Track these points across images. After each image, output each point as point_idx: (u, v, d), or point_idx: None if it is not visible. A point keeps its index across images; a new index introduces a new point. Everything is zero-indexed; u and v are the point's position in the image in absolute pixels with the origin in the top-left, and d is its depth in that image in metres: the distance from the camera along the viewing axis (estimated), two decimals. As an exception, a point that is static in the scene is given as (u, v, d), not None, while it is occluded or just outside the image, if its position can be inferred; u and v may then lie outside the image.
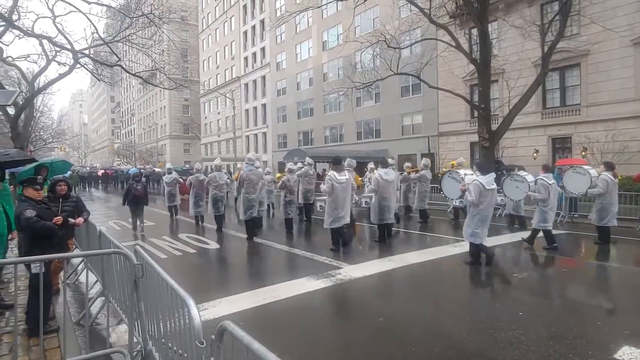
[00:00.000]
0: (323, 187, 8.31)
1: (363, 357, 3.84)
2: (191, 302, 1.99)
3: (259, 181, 10.15)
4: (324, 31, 36.14)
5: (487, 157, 15.36)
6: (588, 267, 7.60)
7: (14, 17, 18.03)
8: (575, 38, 18.81)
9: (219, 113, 55.70)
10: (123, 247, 3.54)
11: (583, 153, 17.93)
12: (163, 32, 19.43)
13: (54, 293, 5.31)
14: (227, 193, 13.15)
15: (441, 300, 5.62)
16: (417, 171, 12.90)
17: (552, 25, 15.15)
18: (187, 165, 42.50)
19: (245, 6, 49.46)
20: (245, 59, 50.02)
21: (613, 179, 8.65)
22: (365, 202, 10.37)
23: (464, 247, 8.65)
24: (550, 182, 8.35)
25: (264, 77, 46.04)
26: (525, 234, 9.25)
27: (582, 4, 17.67)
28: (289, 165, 11.75)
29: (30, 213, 4.32)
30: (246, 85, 49.94)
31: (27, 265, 4.34)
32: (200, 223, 12.52)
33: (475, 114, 17.61)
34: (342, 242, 8.40)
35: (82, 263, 6.80)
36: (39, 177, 4.77)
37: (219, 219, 11.42)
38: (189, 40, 64.68)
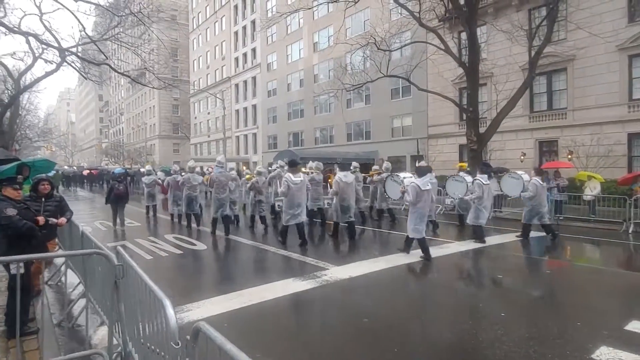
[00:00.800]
0: (280, 189, 9.01)
1: (345, 358, 3.85)
2: (167, 303, 1.97)
3: (227, 182, 10.87)
4: (315, 33, 36.20)
5: (475, 159, 15.53)
6: (573, 269, 7.72)
7: (1, 14, 17.77)
8: (562, 43, 19.10)
9: (209, 113, 55.43)
10: (104, 248, 3.50)
11: (569, 156, 18.19)
12: (152, 31, 19.28)
13: (35, 294, 5.23)
14: (206, 193, 13.30)
15: (426, 301, 5.66)
16: (379, 174, 13.12)
17: (539, 30, 15.37)
18: (176, 166, 42.18)
19: (236, 6, 49.30)
20: (236, 59, 49.84)
21: (542, 183, 9.67)
22: (327, 202, 11.22)
23: (450, 248, 8.75)
24: (485, 183, 9.23)
25: (254, 78, 45.93)
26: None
27: (569, 10, 17.97)
28: (258, 167, 12.50)
29: (11, 212, 4.24)
30: (236, 85, 49.75)
31: (6, 266, 4.26)
32: (176, 221, 13.07)
33: (464, 116, 17.77)
34: (300, 240, 8.92)
35: (64, 264, 6.71)
36: (19, 176, 4.69)
37: (197, 217, 12.14)
38: (179, 39, 64.27)
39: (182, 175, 13.11)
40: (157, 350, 2.52)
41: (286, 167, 11.06)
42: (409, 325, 4.68)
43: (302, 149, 35.07)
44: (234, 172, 12.58)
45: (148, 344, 2.67)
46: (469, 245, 9.11)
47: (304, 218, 9.12)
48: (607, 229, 11.36)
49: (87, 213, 16.49)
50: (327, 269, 7.03)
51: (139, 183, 33.03)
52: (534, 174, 9.97)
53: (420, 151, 25.21)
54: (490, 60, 21.40)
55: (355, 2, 16.40)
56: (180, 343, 1.82)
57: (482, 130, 16.08)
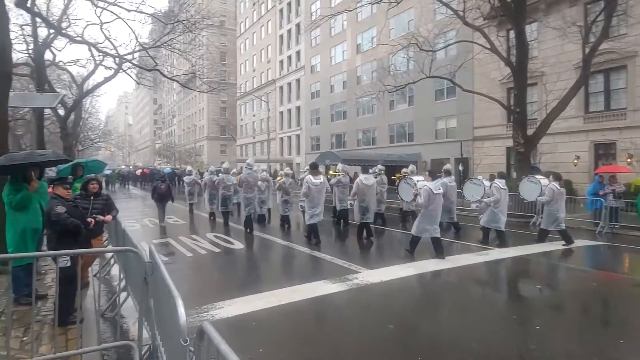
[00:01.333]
0: (302, 190, 9.73)
1: (367, 363, 3.84)
2: (179, 302, 2.09)
3: (255, 183, 11.59)
4: (359, 34, 36.10)
5: (522, 162, 14.84)
6: (622, 281, 7.18)
7: (65, 24, 19.26)
8: (621, 39, 17.78)
9: (254, 115, 56.84)
10: (138, 246, 3.73)
11: (628, 160, 16.90)
12: (202, 37, 20.15)
13: (83, 286, 5.66)
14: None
15: (455, 309, 5.50)
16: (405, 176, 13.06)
17: (595, 25, 14.42)
18: (212, 167, 43.68)
19: (281, 10, 50.25)
20: (281, 62, 50.77)
21: (559, 188, 9.52)
22: (350, 203, 11.55)
23: (489, 255, 8.43)
24: (502, 187, 9.42)
25: (298, 80, 46.55)
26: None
27: (629, 3, 16.69)
28: (285, 169, 13.08)
29: (60, 209, 4.62)
30: (281, 88, 50.66)
31: (55, 259, 4.64)
32: (213, 219, 13.72)
33: (512, 118, 17.01)
34: (318, 236, 9.58)
35: (113, 257, 7.20)
36: (69, 177, 5.08)
37: (226, 215, 12.73)
38: (227, 44, 66.50)
39: (217, 176, 13.75)
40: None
41: (359, 169, 12.01)
42: (434, 333, 4.58)
43: (344, 151, 35.08)
44: (264, 173, 12.97)
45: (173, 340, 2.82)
46: (509, 252, 8.73)
47: (321, 217, 9.73)
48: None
49: (138, 211, 17.47)
50: (359, 272, 7.02)
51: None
52: (552, 179, 9.84)
53: (465, 154, 24.41)
54: (542, 58, 20.33)
55: (398, 3, 16.19)
56: (188, 340, 1.93)
57: (531, 132, 15.32)
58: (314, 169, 10.09)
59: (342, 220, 12.28)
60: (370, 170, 11.92)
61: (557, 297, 6.07)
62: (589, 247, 9.69)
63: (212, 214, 14.04)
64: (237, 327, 4.67)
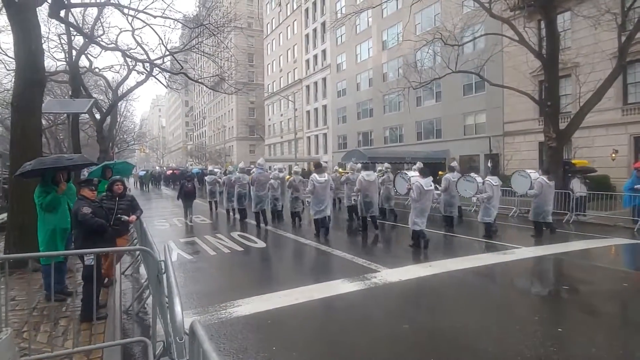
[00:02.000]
0: (308, 187, 10.51)
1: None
2: (177, 300, 2.17)
3: (266, 181, 12.60)
4: (384, 30, 35.75)
5: (553, 157, 14.26)
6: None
7: (99, 32, 20.09)
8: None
9: (281, 115, 57.36)
10: (154, 245, 3.86)
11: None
12: (230, 40, 20.51)
13: (108, 284, 5.91)
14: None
15: (473, 310, 5.37)
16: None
17: (633, 12, 13.66)
18: (252, 166, 44.42)
19: (307, 10, 50.44)
20: (307, 61, 50.99)
21: (548, 182, 10.09)
22: (354, 199, 12.17)
23: (515, 254, 8.17)
24: (495, 184, 9.83)
25: (324, 79, 46.61)
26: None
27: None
28: (295, 168, 13.70)
29: (86, 210, 4.85)
30: (307, 87, 50.89)
31: (81, 258, 4.88)
32: (232, 215, 14.66)
33: (543, 111, 16.37)
34: (324, 230, 10.27)
35: (139, 256, 7.48)
36: (94, 179, 5.31)
37: (242, 211, 13.60)
38: (254, 45, 67.38)
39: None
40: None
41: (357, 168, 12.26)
42: (449, 334, 4.49)
43: (371, 149, 34.87)
44: (276, 172, 13.30)
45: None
46: (536, 251, 8.43)
47: (328, 213, 10.41)
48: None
49: (168, 210, 18.01)
50: (379, 271, 6.98)
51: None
52: (541, 173, 10.56)
53: (494, 149, 23.73)
54: (575, 48, 19.45)
55: (422, -3, 15.93)
56: (184, 338, 2.00)
57: (565, 125, 14.70)
58: (317, 167, 10.88)
59: (353, 214, 12.67)
60: (379, 168, 12.53)
61: (584, 298, 5.81)
62: (626, 245, 9.21)
63: (229, 211, 14.94)
64: (253, 324, 4.75)
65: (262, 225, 12.12)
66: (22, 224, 6.81)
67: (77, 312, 4.87)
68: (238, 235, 10.96)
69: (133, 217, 6.06)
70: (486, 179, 10.12)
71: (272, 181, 12.67)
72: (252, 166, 18.13)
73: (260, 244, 9.80)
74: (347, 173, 12.78)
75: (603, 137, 19.14)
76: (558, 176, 13.23)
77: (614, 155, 18.32)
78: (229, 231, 11.73)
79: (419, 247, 8.64)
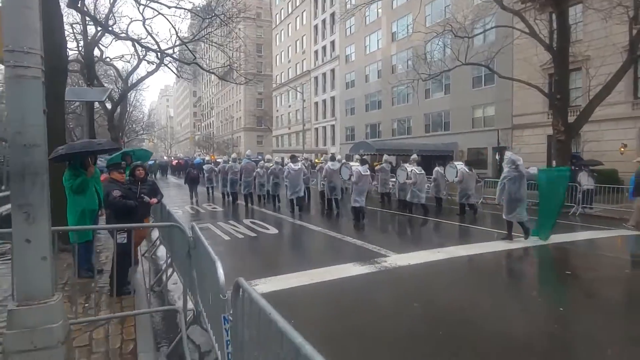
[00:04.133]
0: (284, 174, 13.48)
1: (384, 335, 4.09)
2: (219, 264, 2.44)
3: (253, 170, 15.15)
4: (394, 22, 35.64)
5: (561, 151, 14.37)
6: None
7: (111, 21, 20.35)
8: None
9: (289, 106, 57.49)
10: (181, 223, 4.14)
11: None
12: (240, 29, 20.66)
13: (134, 263, 6.23)
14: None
15: (481, 292, 5.62)
16: (381, 164, 16.78)
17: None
18: (260, 157, 44.81)
19: (316, 0, 50.27)
20: (316, 52, 50.94)
21: (468, 171, 12.74)
22: (375, 184, 16.09)
23: (523, 242, 8.38)
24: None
25: (333, 70, 46.60)
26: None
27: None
28: (276, 158, 17.20)
29: (117, 193, 5.14)
30: (316, 78, 50.91)
31: (113, 236, 5.16)
32: (226, 197, 16.54)
33: (552, 104, 16.41)
34: (297, 207, 12.99)
35: (159, 239, 7.81)
36: (122, 162, 5.60)
37: (234, 195, 15.68)
38: (263, 36, 67.31)
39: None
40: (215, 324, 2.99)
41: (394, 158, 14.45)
42: (458, 313, 4.76)
43: (378, 141, 34.99)
44: (262, 162, 16.19)
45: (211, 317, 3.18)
46: (540, 240, 8.64)
47: (301, 194, 13.30)
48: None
49: (179, 199, 18.38)
50: (388, 256, 7.25)
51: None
52: (464, 164, 13.53)
53: (503, 142, 23.78)
54: (586, 41, 19.38)
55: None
56: (227, 296, 2.27)
57: (574, 119, 14.77)
58: (292, 158, 13.71)
59: (385, 198, 15.52)
60: (384, 158, 15.17)
61: (586, 283, 6.04)
62: (630, 236, 9.38)
63: (224, 194, 16.85)
64: (271, 301, 5.01)
65: (250, 204, 14.56)
66: (52, 207, 7.13)
67: (106, 288, 5.20)
68: (250, 222, 11.28)
69: (154, 200, 6.35)
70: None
71: (258, 170, 15.16)
72: (259, 157, 19.38)
73: (272, 230, 10.11)
74: (382, 164, 15.92)
75: (612, 131, 19.14)
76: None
77: (622, 149, 18.34)
78: (240, 218, 12.06)
79: (359, 221, 10.60)
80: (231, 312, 2.22)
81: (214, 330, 3.15)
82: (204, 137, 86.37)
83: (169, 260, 5.94)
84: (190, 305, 3.98)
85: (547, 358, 3.68)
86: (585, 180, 13.14)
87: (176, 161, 45.73)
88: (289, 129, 57.86)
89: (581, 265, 7.13)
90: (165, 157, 60.07)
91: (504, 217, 8.58)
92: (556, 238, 8.70)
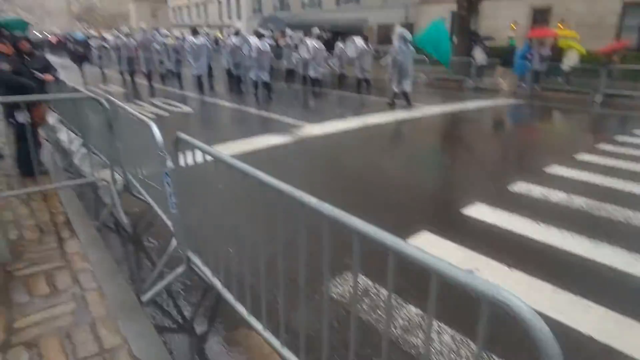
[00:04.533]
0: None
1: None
2: (153, 124, 2.55)
3: (149, 45, 14.47)
4: None
5: (462, 26, 15.19)
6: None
7: None
8: None
9: (187, -28, 50.02)
10: (96, 96, 3.95)
11: (560, 25, 17.72)
12: None
13: (37, 146, 5.82)
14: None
15: (392, 152, 6.48)
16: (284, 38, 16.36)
17: None
18: (155, 32, 39.97)
19: None
20: None
21: (365, 47, 13.12)
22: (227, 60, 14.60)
23: (422, 111, 9.39)
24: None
25: None
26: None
27: None
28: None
29: (5, 66, 4.51)
30: (215, -63, 43.99)
31: (11, 119, 4.64)
32: (125, 77, 15.55)
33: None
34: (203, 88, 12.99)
35: (60, 121, 7.27)
36: (2, 29, 4.86)
37: (132, 73, 15.11)
38: None
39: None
40: (153, 184, 3.16)
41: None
42: (363, 169, 5.53)
43: (289, 15, 32.98)
44: (158, 36, 15.55)
45: (146, 180, 3.32)
46: (435, 109, 9.79)
47: (205, 69, 13.28)
48: (578, 99, 11.73)
49: (72, 81, 16.35)
50: (303, 126, 7.72)
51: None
52: (362, 40, 13.50)
53: (411, 19, 24.09)
54: None
55: None
56: (165, 152, 2.45)
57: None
58: (194, 32, 13.34)
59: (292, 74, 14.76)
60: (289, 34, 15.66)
61: (464, 140, 7.24)
62: (508, 105, 10.96)
63: (122, 73, 15.68)
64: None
65: (154, 84, 14.03)
66: None
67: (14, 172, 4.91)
68: (158, 101, 10.76)
69: (49, 76, 5.74)
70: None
71: (155, 45, 14.53)
72: (155, 31, 17.56)
73: (186, 109, 9.85)
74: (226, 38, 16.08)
75: (505, 10, 20.32)
76: (464, 44, 14.43)
77: (513, 26, 19.80)
78: (145, 98, 11.49)
79: (269, 96, 11.37)
80: (172, 166, 2.43)
81: (148, 192, 3.36)
82: (85, 10, 73.08)
83: (80, 142, 5.70)
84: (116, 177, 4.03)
85: (423, 192, 4.64)
86: (479, 55, 14.30)
87: (56, 39, 39.08)
88: (189, 0, 51.24)
89: (463, 128, 8.38)
90: (37, 34, 50.37)
91: (393, 88, 10.30)
92: (447, 108, 9.92)
